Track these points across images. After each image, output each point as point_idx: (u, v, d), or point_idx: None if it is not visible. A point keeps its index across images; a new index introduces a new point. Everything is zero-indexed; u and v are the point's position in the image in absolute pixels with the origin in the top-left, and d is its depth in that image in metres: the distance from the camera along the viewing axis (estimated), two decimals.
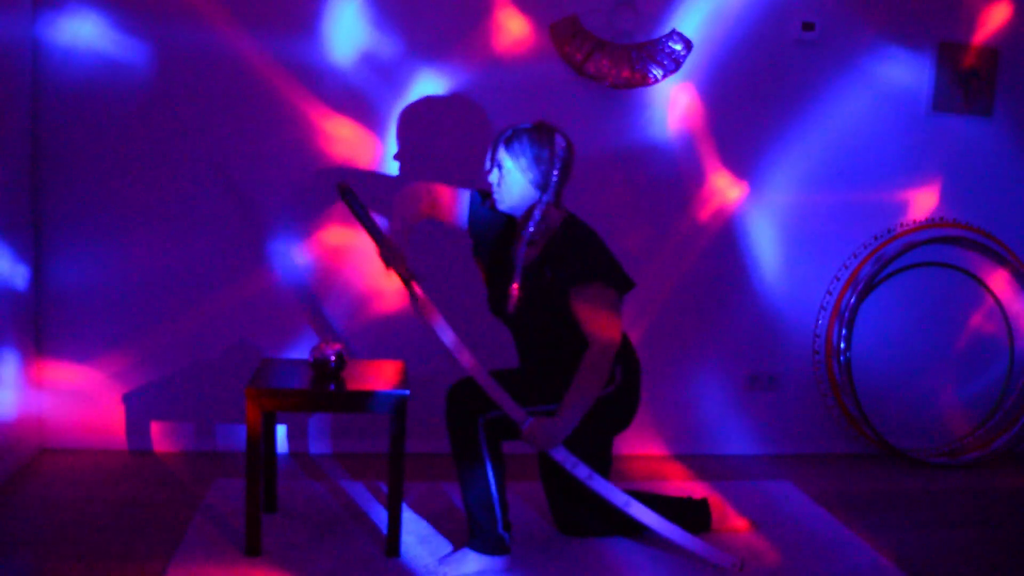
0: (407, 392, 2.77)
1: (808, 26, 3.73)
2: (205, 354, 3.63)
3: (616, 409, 2.80)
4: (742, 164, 3.83)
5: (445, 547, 2.89)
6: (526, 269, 2.71)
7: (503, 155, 2.66)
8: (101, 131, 3.46)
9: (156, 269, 3.55)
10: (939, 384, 4.12)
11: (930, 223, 3.96)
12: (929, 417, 4.13)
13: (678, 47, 3.66)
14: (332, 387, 2.80)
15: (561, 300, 2.66)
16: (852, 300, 3.87)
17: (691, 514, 3.02)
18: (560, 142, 2.66)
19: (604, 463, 2.93)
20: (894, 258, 3.89)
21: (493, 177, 2.70)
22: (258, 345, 3.63)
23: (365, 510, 3.15)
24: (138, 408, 3.63)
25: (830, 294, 3.96)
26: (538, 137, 2.64)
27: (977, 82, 3.91)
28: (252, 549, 2.74)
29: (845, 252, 3.96)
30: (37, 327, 3.52)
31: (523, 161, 2.64)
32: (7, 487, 3.20)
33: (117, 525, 2.94)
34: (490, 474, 2.70)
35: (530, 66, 3.63)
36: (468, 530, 2.77)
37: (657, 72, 3.65)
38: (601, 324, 2.63)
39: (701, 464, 3.85)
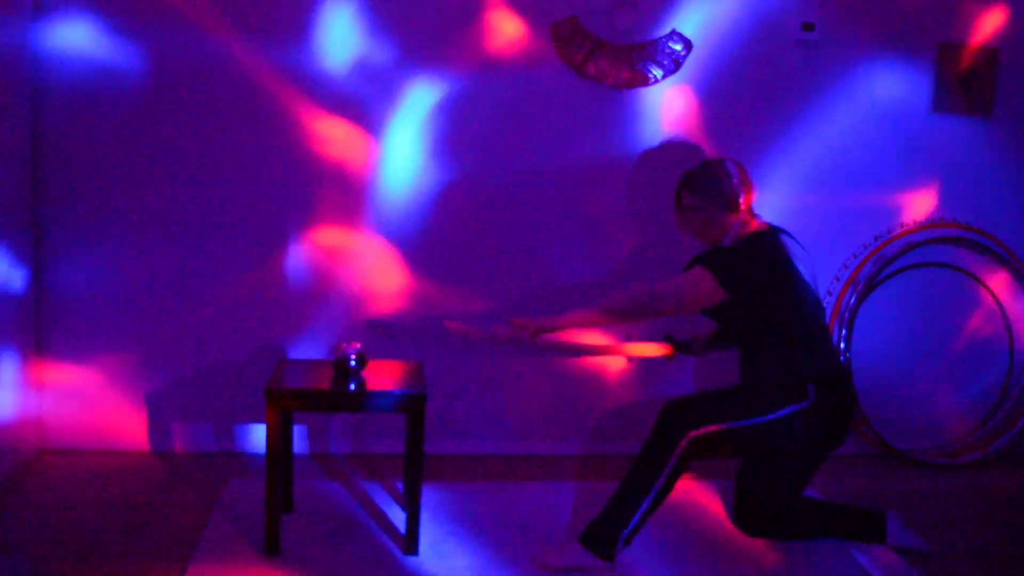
0: (425, 392, 2.77)
1: (808, 26, 3.73)
2: (224, 354, 3.63)
3: (812, 427, 2.81)
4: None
5: (464, 547, 2.89)
6: None
7: (687, 196, 2.88)
8: (102, 132, 3.46)
9: (172, 269, 3.56)
10: (939, 385, 4.12)
11: (930, 223, 3.96)
12: (929, 417, 4.13)
13: (678, 47, 3.66)
14: (351, 387, 2.80)
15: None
16: (852, 300, 3.87)
17: (867, 526, 2.98)
18: (728, 164, 2.89)
19: (802, 483, 2.92)
20: (894, 258, 3.89)
21: (689, 222, 2.89)
22: (277, 345, 3.63)
23: (383, 510, 3.15)
24: (156, 408, 3.63)
25: (830, 294, 3.96)
26: (707, 168, 2.89)
27: (977, 82, 3.91)
28: (271, 548, 2.75)
29: (845, 252, 3.96)
30: (38, 327, 3.52)
31: (705, 192, 2.85)
32: (8, 487, 3.21)
33: (135, 525, 2.95)
34: (653, 489, 2.72)
35: (530, 67, 3.63)
36: (588, 525, 2.76)
37: (657, 72, 3.66)
38: (675, 283, 2.78)
39: (701, 464, 3.84)
